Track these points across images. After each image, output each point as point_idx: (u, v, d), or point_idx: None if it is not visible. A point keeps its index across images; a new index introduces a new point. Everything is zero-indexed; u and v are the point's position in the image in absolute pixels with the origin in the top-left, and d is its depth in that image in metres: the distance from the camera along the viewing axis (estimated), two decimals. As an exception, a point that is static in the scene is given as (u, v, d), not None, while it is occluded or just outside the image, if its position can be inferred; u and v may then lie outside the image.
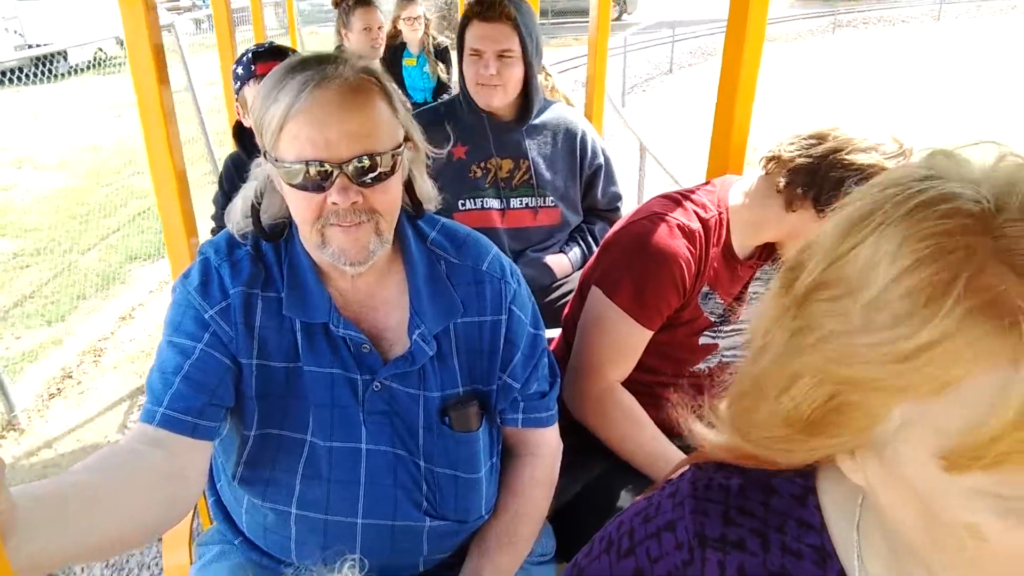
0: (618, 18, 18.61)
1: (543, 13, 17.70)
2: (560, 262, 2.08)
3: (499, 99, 1.94)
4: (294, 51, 1.95)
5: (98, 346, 4.09)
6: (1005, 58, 13.30)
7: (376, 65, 1.06)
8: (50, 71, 6.63)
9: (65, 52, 9.18)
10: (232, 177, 2.12)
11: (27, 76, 5.12)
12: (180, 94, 6.84)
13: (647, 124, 8.83)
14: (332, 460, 1.10)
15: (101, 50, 10.35)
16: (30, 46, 11.06)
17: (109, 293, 4.67)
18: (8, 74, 5.47)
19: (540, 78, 2.12)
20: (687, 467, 0.74)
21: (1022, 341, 0.41)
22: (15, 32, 11.95)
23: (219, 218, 2.17)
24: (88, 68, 8.86)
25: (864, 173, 1.20)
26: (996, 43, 15.10)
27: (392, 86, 1.05)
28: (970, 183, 0.46)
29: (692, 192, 1.45)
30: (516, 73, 1.91)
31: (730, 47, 1.61)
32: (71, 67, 8.47)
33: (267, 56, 1.87)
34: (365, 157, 0.97)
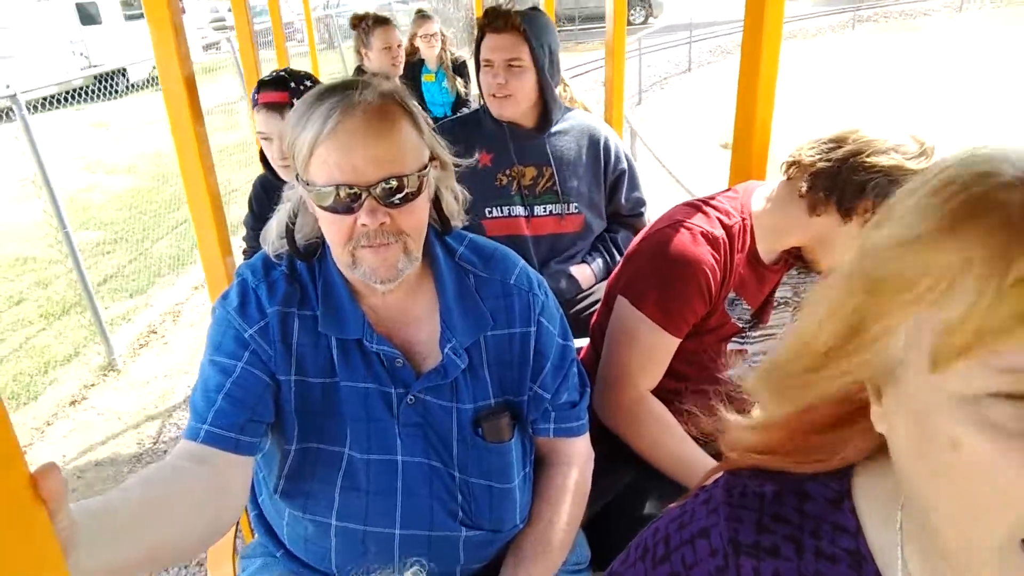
0: (644, 22, 18.80)
1: (570, 19, 18.31)
2: (584, 273, 2.09)
3: (510, 109, 1.99)
4: (309, 75, 1.98)
5: (175, 309, 4.98)
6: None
7: (399, 87, 1.10)
8: (113, 88, 7.44)
9: (125, 70, 10.27)
10: (261, 199, 2.17)
11: (93, 93, 5.76)
12: (237, 104, 8.31)
13: (662, 119, 9.23)
14: (370, 472, 1.13)
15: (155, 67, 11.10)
16: (93, 66, 12.33)
17: (181, 271, 5.54)
18: (76, 92, 6.04)
19: (559, 88, 2.15)
20: (720, 474, 0.75)
21: (1010, 242, 0.45)
22: (81, 54, 13.06)
23: (251, 239, 2.22)
24: (146, 85, 9.66)
25: (886, 175, 1.20)
26: (1019, 35, 14.69)
27: (416, 106, 1.08)
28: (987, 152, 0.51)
29: (714, 199, 1.45)
30: (526, 83, 1.95)
31: (748, 51, 1.62)
32: (130, 84, 9.52)
33: (271, 86, 1.90)
34: (392, 179, 1.00)
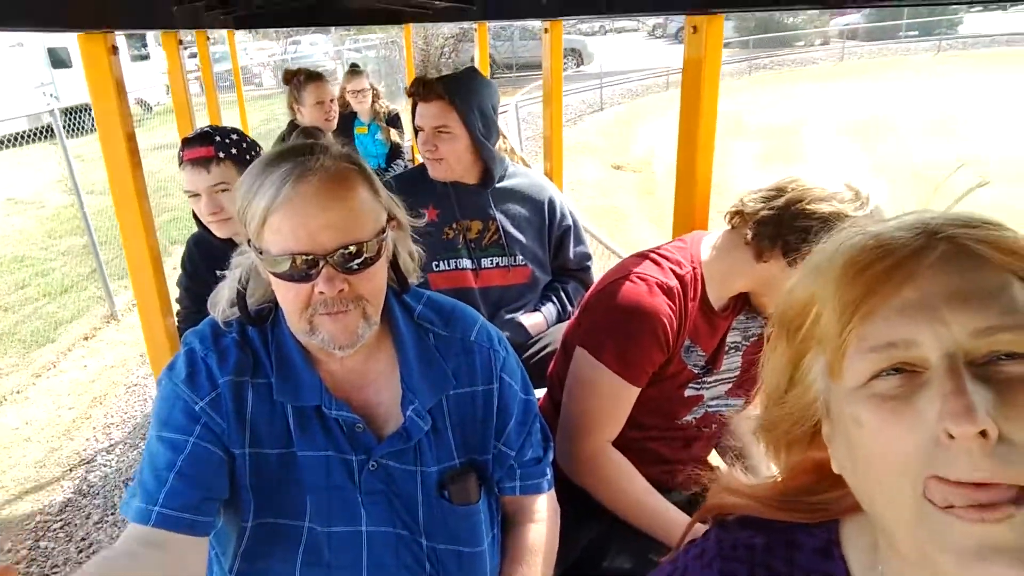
0: (578, 69, 20.62)
1: (508, 67, 19.96)
2: (534, 320, 2.11)
3: (442, 172, 2.04)
4: (235, 130, 1.95)
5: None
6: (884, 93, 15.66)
7: (352, 151, 1.09)
8: (82, 125, 8.83)
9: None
10: (194, 258, 2.09)
11: (67, 129, 6.38)
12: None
13: (571, 148, 11.74)
14: (332, 545, 1.08)
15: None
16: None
17: (168, 255, 6.35)
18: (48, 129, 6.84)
19: (499, 142, 2.18)
20: (708, 526, 0.76)
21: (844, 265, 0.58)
22: (51, 95, 14.10)
23: (184, 299, 2.12)
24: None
25: (826, 221, 1.25)
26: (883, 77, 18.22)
27: (370, 168, 1.08)
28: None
29: (664, 249, 1.50)
30: (457, 147, 2.00)
31: (687, 105, 1.69)
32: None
33: (196, 142, 1.88)
34: (351, 246, 0.98)
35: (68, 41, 14.05)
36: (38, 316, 5.95)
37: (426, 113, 1.99)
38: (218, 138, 1.87)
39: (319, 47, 23.28)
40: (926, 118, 12.91)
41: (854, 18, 26.26)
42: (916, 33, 26.41)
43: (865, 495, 0.58)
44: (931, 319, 0.52)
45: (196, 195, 1.88)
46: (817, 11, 25.28)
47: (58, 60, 14.57)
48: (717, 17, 1.56)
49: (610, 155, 12.78)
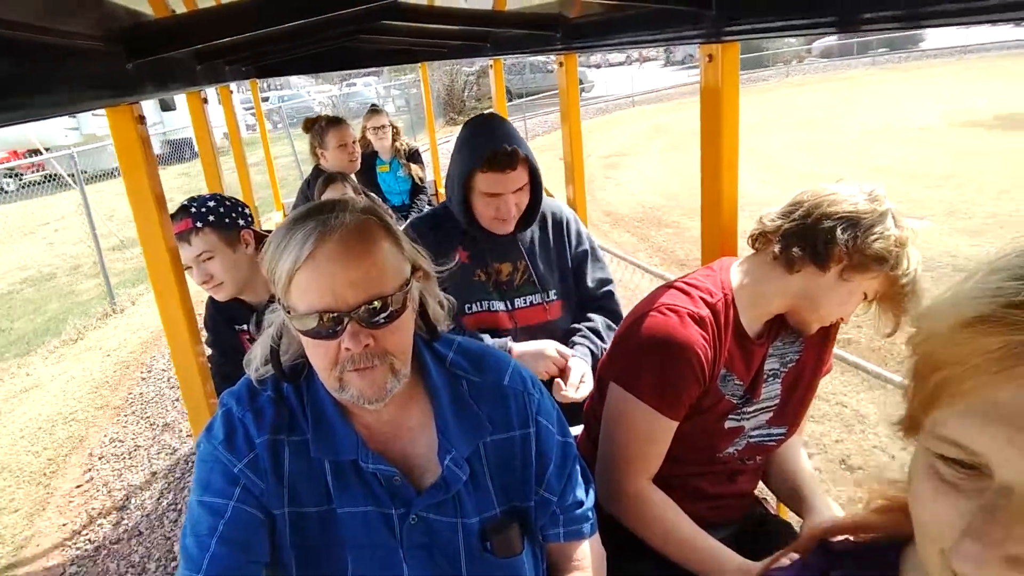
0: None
1: (519, 95, 22.12)
2: (583, 391, 1.91)
3: (511, 226, 1.96)
4: (213, 196, 2.00)
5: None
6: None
7: (377, 204, 1.09)
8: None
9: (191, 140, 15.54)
10: (215, 317, 2.14)
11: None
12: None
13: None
14: None
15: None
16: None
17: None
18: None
19: None
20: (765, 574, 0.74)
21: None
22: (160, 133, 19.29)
23: (214, 356, 2.15)
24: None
25: (849, 219, 1.29)
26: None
27: (394, 221, 1.08)
28: None
29: (693, 278, 1.48)
30: (527, 198, 1.95)
31: (707, 134, 1.68)
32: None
33: (176, 217, 1.92)
34: (375, 301, 0.98)
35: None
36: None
37: (508, 180, 1.86)
38: (193, 209, 1.92)
39: (372, 88, 27.38)
40: (797, 118, 16.06)
41: (833, 39, 28.41)
42: (885, 49, 29.32)
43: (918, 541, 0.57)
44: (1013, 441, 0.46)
45: (188, 267, 1.93)
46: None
47: (166, 105, 20.17)
48: (732, 45, 1.55)
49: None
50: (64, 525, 3.82)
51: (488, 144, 1.84)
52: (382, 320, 0.99)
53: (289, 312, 1.01)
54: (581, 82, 25.00)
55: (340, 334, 0.98)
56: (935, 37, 29.24)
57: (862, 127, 14.08)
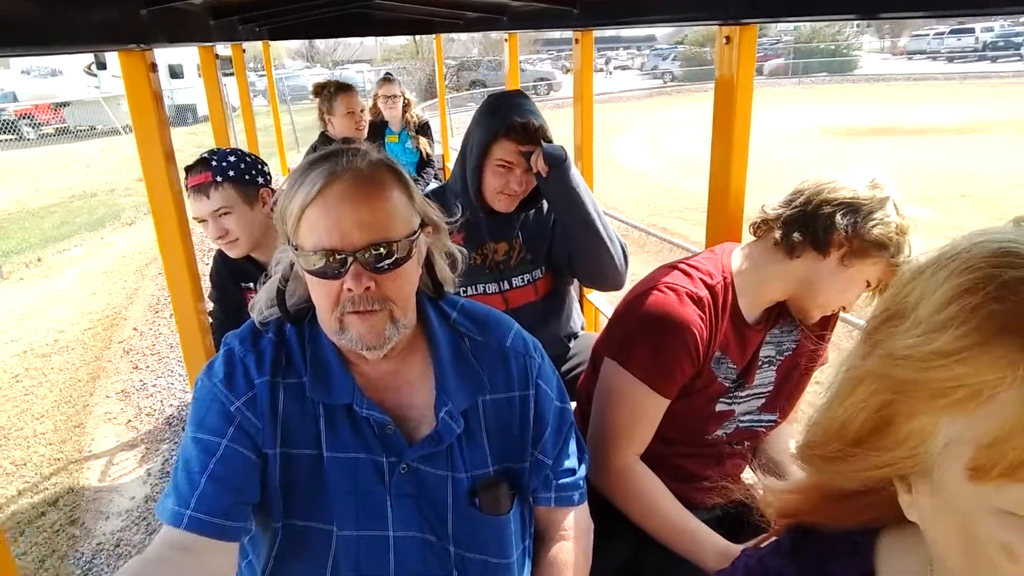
0: (547, 94, 27.34)
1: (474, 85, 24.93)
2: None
3: (514, 204, 1.97)
4: (234, 151, 1.96)
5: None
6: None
7: (389, 157, 1.10)
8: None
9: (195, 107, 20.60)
10: (221, 272, 2.12)
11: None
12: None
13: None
14: (360, 550, 1.08)
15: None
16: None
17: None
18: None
19: None
20: (739, 556, 0.74)
21: None
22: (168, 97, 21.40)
23: (216, 312, 2.14)
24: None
25: (848, 205, 1.30)
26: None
27: (407, 173, 1.08)
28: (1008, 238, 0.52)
29: (695, 260, 1.48)
30: (534, 183, 1.94)
31: (719, 118, 1.67)
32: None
33: (195, 169, 1.88)
34: (380, 245, 0.99)
35: (183, 58, 21.27)
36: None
37: (523, 152, 1.87)
38: (215, 162, 1.87)
39: (363, 74, 29.31)
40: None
41: (781, 60, 33.53)
42: (825, 73, 32.81)
43: (944, 552, 0.55)
44: None
45: (203, 220, 1.90)
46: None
47: (174, 73, 21.63)
48: (750, 28, 1.54)
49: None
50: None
51: (516, 114, 1.86)
52: (386, 266, 1.01)
53: (296, 249, 1.02)
54: (548, 80, 27.40)
55: (343, 274, 1.00)
56: (869, 65, 34.45)
57: (756, 128, 16.30)
